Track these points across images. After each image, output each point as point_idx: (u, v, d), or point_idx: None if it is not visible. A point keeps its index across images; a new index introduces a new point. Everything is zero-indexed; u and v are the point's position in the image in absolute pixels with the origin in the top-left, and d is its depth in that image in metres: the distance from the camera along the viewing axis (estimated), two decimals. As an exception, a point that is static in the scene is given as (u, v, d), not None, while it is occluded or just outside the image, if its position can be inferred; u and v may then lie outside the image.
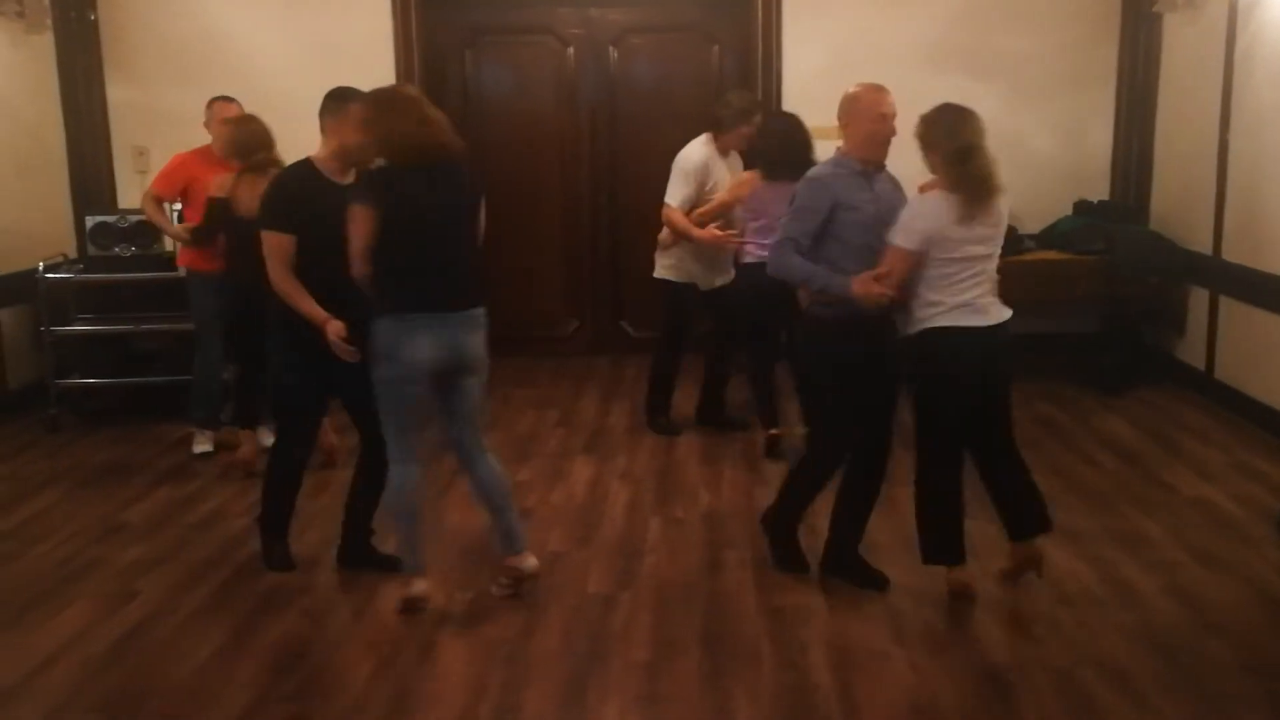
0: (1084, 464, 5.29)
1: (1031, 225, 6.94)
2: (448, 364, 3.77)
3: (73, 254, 6.77)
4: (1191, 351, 6.60)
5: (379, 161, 3.79)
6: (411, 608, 3.89)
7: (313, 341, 3.89)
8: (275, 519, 4.32)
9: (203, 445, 5.76)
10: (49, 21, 6.79)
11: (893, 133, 3.92)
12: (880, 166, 3.99)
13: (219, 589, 4.16)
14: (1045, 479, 5.10)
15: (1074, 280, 6.69)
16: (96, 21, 7.07)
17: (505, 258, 7.28)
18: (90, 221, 6.43)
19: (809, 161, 4.65)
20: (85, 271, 6.43)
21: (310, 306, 3.89)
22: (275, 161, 5.23)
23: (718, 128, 5.71)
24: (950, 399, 3.84)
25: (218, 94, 5.90)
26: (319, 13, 7.10)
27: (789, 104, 7.18)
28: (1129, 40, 7.10)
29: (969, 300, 3.74)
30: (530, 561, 4.02)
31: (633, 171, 7.50)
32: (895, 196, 3.96)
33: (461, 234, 3.81)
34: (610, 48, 7.51)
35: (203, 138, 5.91)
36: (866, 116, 3.90)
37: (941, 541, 3.93)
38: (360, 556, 4.28)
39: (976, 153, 3.74)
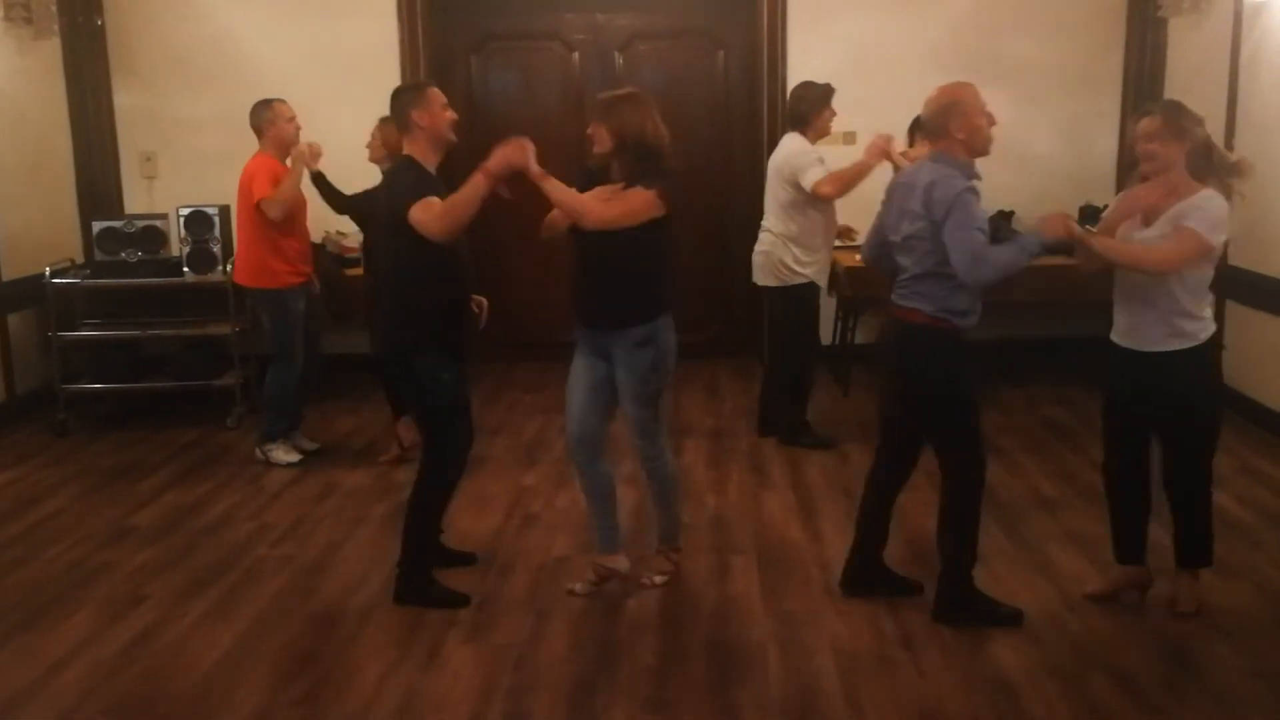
0: (1091, 468, 5.28)
1: (1037, 229, 6.92)
2: None
3: (80, 259, 6.78)
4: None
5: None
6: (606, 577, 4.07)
7: (448, 337, 3.96)
8: (425, 557, 4.10)
9: (291, 455, 5.68)
10: (56, 27, 6.79)
11: (994, 122, 3.77)
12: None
13: (228, 593, 4.16)
14: (1052, 482, 5.14)
15: (1080, 284, 6.65)
16: (103, 27, 7.08)
17: (513, 263, 7.29)
18: (97, 226, 6.44)
19: None
20: (92, 277, 6.44)
21: (473, 184, 3.73)
22: None
23: (802, 123, 5.60)
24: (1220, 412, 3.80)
25: (266, 96, 5.76)
26: (326, 18, 7.11)
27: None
28: (1134, 44, 7.10)
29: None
30: (623, 561, 4.13)
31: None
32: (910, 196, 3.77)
33: None
34: (616, 53, 7.52)
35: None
36: (975, 113, 3.73)
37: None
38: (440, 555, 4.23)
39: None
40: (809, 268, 5.65)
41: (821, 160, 5.51)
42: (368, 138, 5.48)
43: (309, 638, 3.80)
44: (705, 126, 7.53)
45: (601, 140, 3.87)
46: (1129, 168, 7.17)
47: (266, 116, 5.52)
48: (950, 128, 3.72)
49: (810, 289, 5.70)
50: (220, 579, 4.28)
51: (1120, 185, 7.29)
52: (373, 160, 5.42)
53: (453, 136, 4.02)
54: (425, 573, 4.06)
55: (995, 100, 7.02)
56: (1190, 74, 6.66)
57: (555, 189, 3.79)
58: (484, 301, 4.31)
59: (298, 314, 5.60)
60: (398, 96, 4.03)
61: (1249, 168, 3.70)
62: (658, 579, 4.13)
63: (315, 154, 5.54)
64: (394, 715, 3.30)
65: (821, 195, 5.46)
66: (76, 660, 3.65)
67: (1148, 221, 3.69)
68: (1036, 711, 3.25)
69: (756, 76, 7.31)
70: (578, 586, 4.10)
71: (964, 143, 3.72)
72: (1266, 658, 3.55)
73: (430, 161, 3.99)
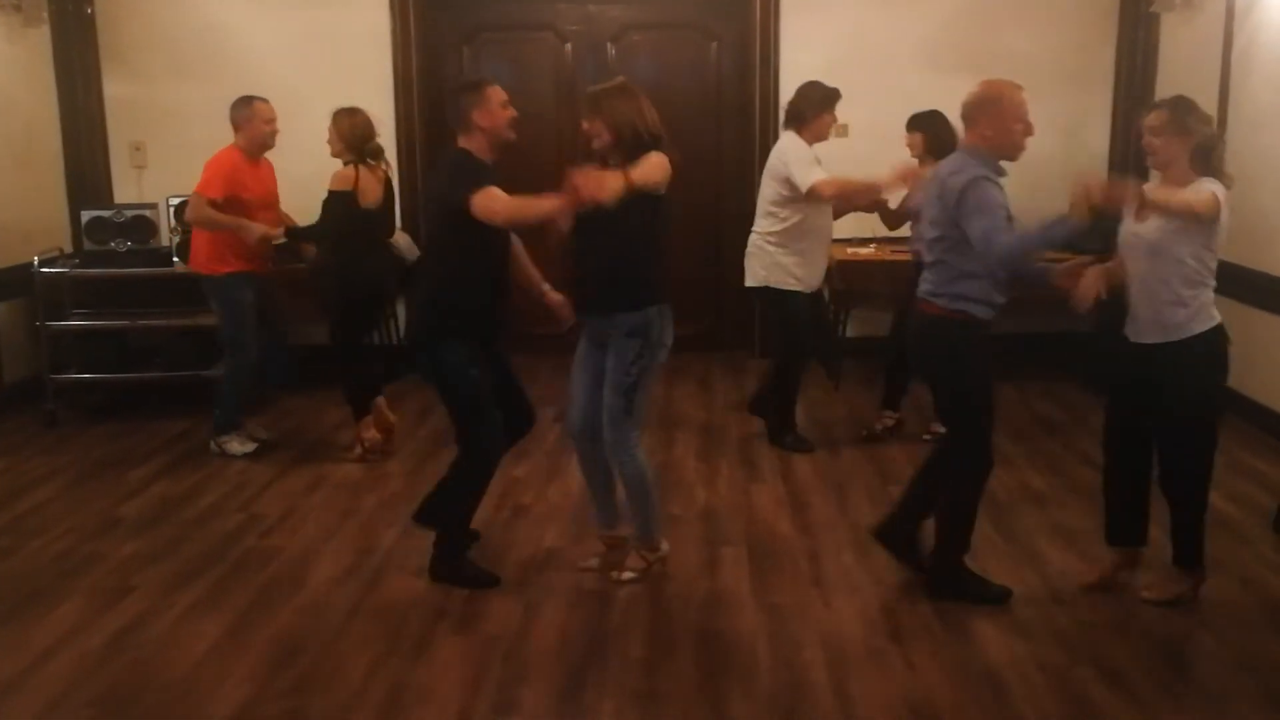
0: (1082, 463, 5.30)
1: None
2: None
3: (68, 248, 6.76)
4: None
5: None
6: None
7: (479, 331, 4.01)
8: (463, 532, 4.20)
9: (246, 445, 5.66)
10: (46, 15, 6.77)
11: (1031, 133, 3.76)
12: None
13: (216, 584, 4.15)
14: (1043, 478, 5.16)
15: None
16: (93, 15, 7.04)
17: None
18: (86, 216, 6.42)
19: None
20: (81, 266, 6.41)
21: (557, 202, 3.71)
22: (382, 149, 5.41)
23: (799, 122, 5.49)
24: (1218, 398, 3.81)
25: (257, 86, 5.73)
26: (317, 8, 7.09)
27: (787, 101, 7.19)
28: (1126, 40, 7.11)
29: None
30: (625, 529, 4.18)
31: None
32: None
33: None
34: (609, 45, 7.51)
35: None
36: (1011, 117, 3.72)
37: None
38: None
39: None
40: (792, 272, 5.50)
41: (818, 161, 5.41)
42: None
43: (297, 629, 3.79)
44: (697, 119, 7.51)
45: (600, 134, 3.87)
46: (1120, 162, 7.22)
47: (245, 113, 5.50)
48: (981, 122, 3.75)
49: (792, 297, 5.54)
50: (209, 570, 4.27)
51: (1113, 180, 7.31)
52: (334, 155, 5.38)
53: (512, 135, 4.01)
54: (459, 552, 4.15)
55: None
56: (1182, 70, 6.67)
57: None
58: (558, 298, 4.24)
59: (243, 303, 5.52)
60: (456, 95, 3.99)
61: (1231, 183, 3.69)
62: (625, 575, 4.10)
63: (266, 243, 5.44)
64: (382, 706, 3.30)
65: (818, 195, 5.35)
66: (64, 650, 3.64)
67: (1140, 216, 3.69)
68: (1024, 704, 3.26)
69: (749, 69, 7.30)
70: (592, 562, 4.16)
71: (990, 140, 3.74)
72: (1253, 652, 3.56)
73: (488, 156, 3.98)
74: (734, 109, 7.51)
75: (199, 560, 4.36)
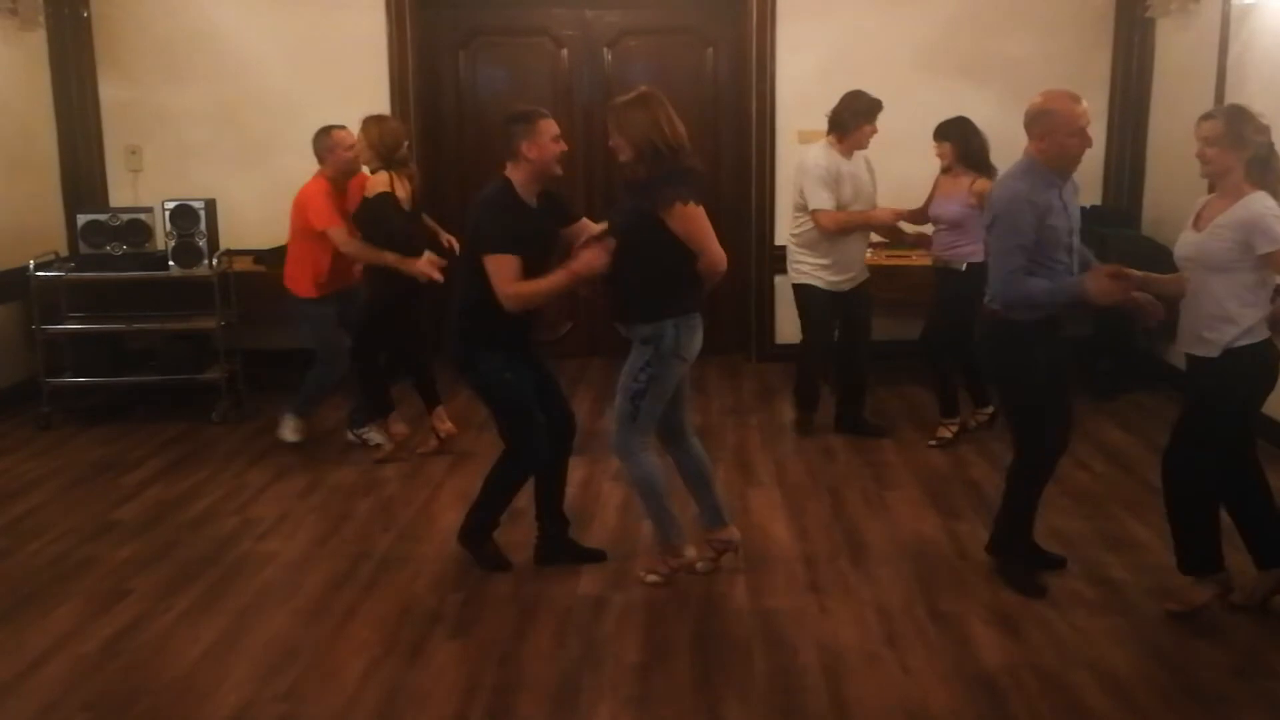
0: (1077, 467, 5.30)
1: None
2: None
3: (64, 252, 6.75)
4: (1184, 356, 6.59)
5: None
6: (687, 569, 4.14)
7: (508, 343, 4.08)
8: (491, 522, 4.31)
9: (381, 436, 5.73)
10: (42, 19, 6.78)
11: (1089, 145, 3.82)
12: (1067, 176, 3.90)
13: (211, 588, 4.15)
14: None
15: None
16: (89, 19, 7.05)
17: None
18: (82, 219, 6.41)
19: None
20: (77, 270, 6.40)
21: (555, 282, 3.93)
22: (409, 156, 5.48)
23: (840, 130, 5.57)
24: (1250, 417, 3.78)
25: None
26: (314, 12, 7.09)
27: (782, 107, 7.22)
28: (1122, 45, 7.13)
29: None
30: (735, 532, 4.23)
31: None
32: (1075, 201, 3.91)
33: None
34: (605, 49, 7.51)
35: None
36: (1063, 131, 3.75)
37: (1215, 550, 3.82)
38: (562, 549, 4.34)
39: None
40: (809, 269, 5.69)
41: (838, 183, 5.54)
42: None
43: (292, 633, 3.79)
44: (693, 124, 7.35)
45: (622, 150, 3.90)
46: (1116, 167, 7.23)
47: (326, 144, 5.57)
48: (1035, 133, 3.82)
49: (805, 290, 5.74)
50: (204, 574, 4.27)
51: (1109, 185, 7.32)
52: (364, 163, 5.41)
53: (558, 170, 4.04)
54: (488, 531, 4.28)
55: (984, 99, 7.10)
56: (1178, 75, 6.69)
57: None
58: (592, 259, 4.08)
59: (329, 318, 5.71)
60: (508, 123, 4.01)
61: None
62: (649, 578, 4.13)
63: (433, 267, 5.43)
64: (377, 711, 3.30)
65: (817, 222, 5.56)
66: (59, 654, 3.64)
67: (1199, 225, 3.68)
68: (1020, 710, 3.26)
69: (745, 74, 7.31)
70: (699, 565, 4.17)
71: (1045, 152, 3.79)
72: (1249, 657, 3.57)
73: (529, 190, 4.02)
74: (730, 114, 7.52)
75: (194, 564, 4.35)
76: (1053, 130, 3.75)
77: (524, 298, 3.92)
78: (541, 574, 4.21)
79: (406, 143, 5.50)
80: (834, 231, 5.57)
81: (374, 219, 5.28)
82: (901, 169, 6.68)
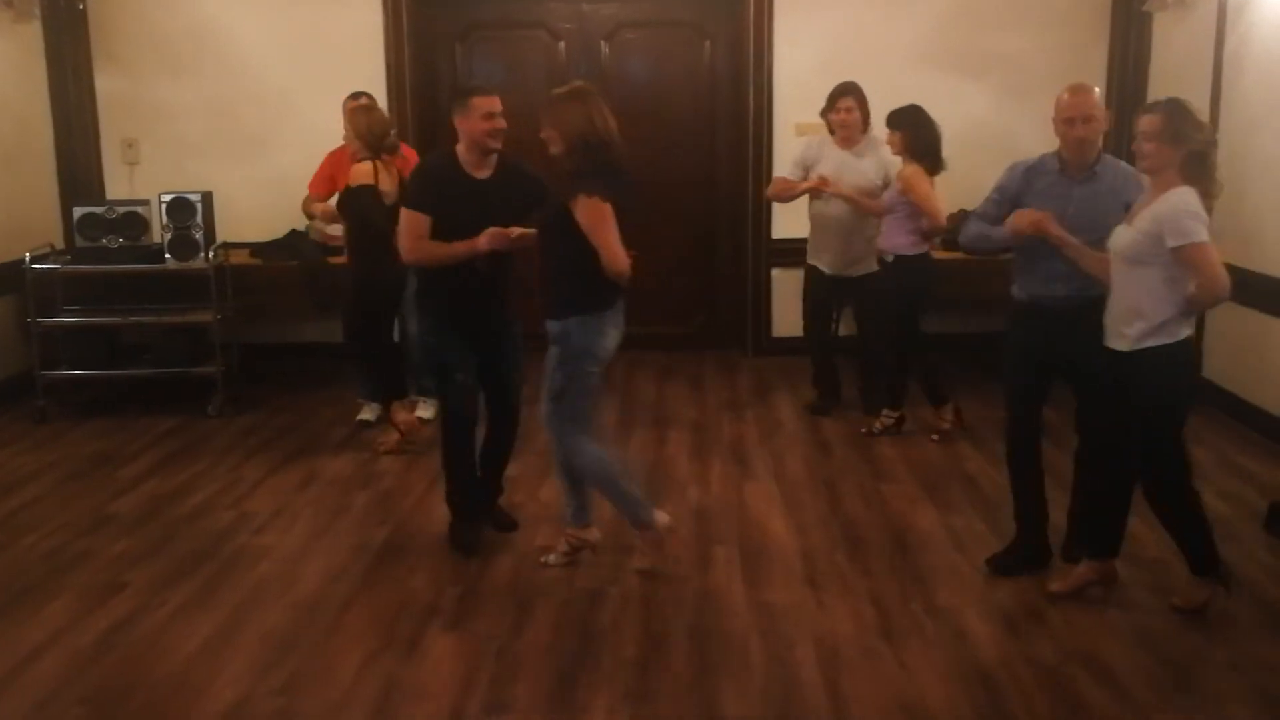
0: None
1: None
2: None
3: (60, 245, 6.73)
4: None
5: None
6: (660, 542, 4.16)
7: (459, 314, 4.28)
8: (458, 495, 4.45)
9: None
10: (37, 11, 6.75)
11: (1081, 135, 3.89)
12: (1085, 169, 3.94)
13: (207, 582, 4.14)
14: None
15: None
16: (85, 11, 7.02)
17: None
18: (78, 212, 6.39)
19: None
20: (72, 262, 6.39)
21: (455, 248, 4.12)
22: (398, 143, 5.54)
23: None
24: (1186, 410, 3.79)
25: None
26: (311, 5, 7.07)
27: (780, 100, 7.20)
28: (1119, 39, 7.12)
29: None
30: (595, 534, 4.26)
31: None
32: (1102, 205, 3.85)
33: None
34: (602, 42, 7.50)
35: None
36: (1057, 118, 3.94)
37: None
38: (484, 511, 4.53)
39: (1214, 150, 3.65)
40: (809, 249, 6.10)
41: (809, 165, 5.89)
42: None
43: (289, 627, 3.79)
44: (690, 117, 7.52)
45: (554, 142, 3.92)
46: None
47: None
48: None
49: (806, 270, 6.13)
50: (200, 567, 4.26)
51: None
52: (351, 153, 5.44)
53: (493, 144, 4.18)
54: (461, 508, 4.44)
55: (979, 94, 7.09)
56: (1174, 69, 6.68)
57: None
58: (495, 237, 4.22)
59: None
60: (451, 98, 4.27)
61: (1220, 190, 3.64)
62: (551, 559, 4.22)
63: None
64: (374, 704, 3.30)
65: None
66: (54, 648, 3.63)
67: (1131, 219, 3.69)
68: (1016, 703, 3.27)
69: (743, 67, 7.29)
70: (550, 558, 4.22)
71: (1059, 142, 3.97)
72: (1245, 651, 3.57)
73: (471, 160, 4.20)
74: (727, 107, 7.51)
75: (190, 558, 4.35)
76: (1054, 118, 3.96)
77: (417, 253, 4.18)
78: (539, 568, 4.21)
79: (394, 130, 5.56)
80: (769, 196, 6.31)
81: (354, 208, 5.34)
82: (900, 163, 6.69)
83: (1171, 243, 3.49)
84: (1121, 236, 3.67)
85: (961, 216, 6.50)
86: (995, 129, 6.77)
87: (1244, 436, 5.71)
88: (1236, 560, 4.23)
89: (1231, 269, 5.86)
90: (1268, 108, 5.62)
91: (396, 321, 5.80)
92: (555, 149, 3.92)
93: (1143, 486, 3.80)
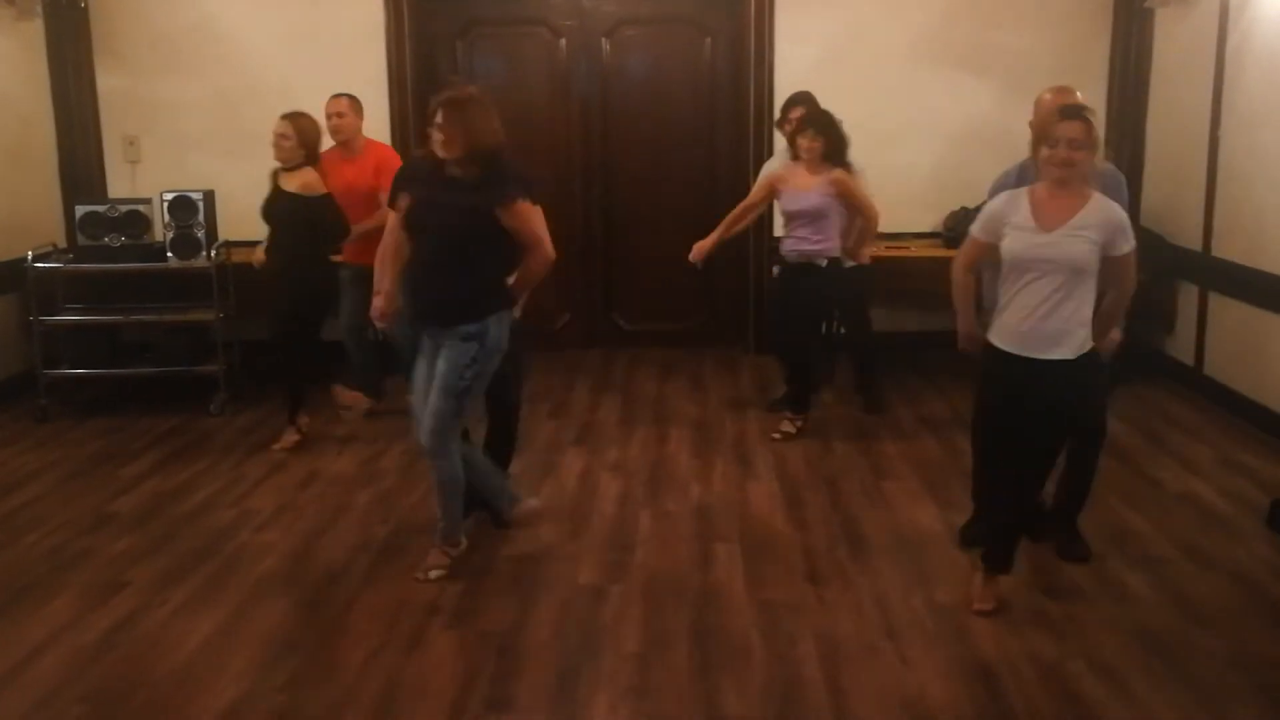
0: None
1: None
2: None
3: (62, 243, 6.73)
4: (1181, 347, 6.62)
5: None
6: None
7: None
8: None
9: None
10: (39, 9, 6.74)
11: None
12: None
13: (209, 580, 4.15)
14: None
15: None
16: (86, 9, 7.01)
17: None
18: (80, 211, 6.39)
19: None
20: (74, 261, 6.39)
21: (378, 278, 4.21)
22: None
23: None
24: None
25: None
26: (312, 2, 7.07)
27: (781, 97, 7.13)
28: (1121, 36, 7.11)
29: None
30: (463, 544, 4.27)
31: (624, 164, 7.53)
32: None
33: None
34: (603, 40, 7.50)
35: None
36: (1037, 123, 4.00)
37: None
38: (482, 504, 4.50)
39: None
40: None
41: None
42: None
43: (290, 625, 3.79)
44: (691, 114, 7.52)
45: (453, 145, 3.83)
46: (1115, 159, 7.22)
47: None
48: None
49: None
50: (202, 565, 4.27)
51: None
52: (290, 158, 5.48)
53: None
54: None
55: (981, 91, 7.08)
56: (1176, 65, 6.68)
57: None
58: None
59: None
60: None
61: None
62: (432, 574, 4.11)
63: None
64: (376, 701, 3.30)
65: None
66: (56, 646, 3.64)
67: (1049, 224, 3.56)
68: (1017, 699, 3.27)
69: (744, 64, 7.29)
70: (431, 574, 4.10)
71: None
72: (1245, 647, 3.57)
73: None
74: (728, 104, 7.50)
75: (192, 556, 4.35)
76: (1036, 121, 3.97)
77: (379, 253, 4.23)
78: (540, 565, 4.21)
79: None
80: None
81: (304, 215, 5.42)
82: (902, 160, 6.70)
83: (1125, 249, 3.56)
84: (1047, 245, 3.54)
85: (962, 214, 6.52)
86: (996, 126, 6.75)
87: (1245, 433, 5.71)
88: (1239, 557, 4.24)
89: (1234, 266, 5.93)
90: (1269, 104, 5.62)
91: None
92: (453, 153, 3.83)
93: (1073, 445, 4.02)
